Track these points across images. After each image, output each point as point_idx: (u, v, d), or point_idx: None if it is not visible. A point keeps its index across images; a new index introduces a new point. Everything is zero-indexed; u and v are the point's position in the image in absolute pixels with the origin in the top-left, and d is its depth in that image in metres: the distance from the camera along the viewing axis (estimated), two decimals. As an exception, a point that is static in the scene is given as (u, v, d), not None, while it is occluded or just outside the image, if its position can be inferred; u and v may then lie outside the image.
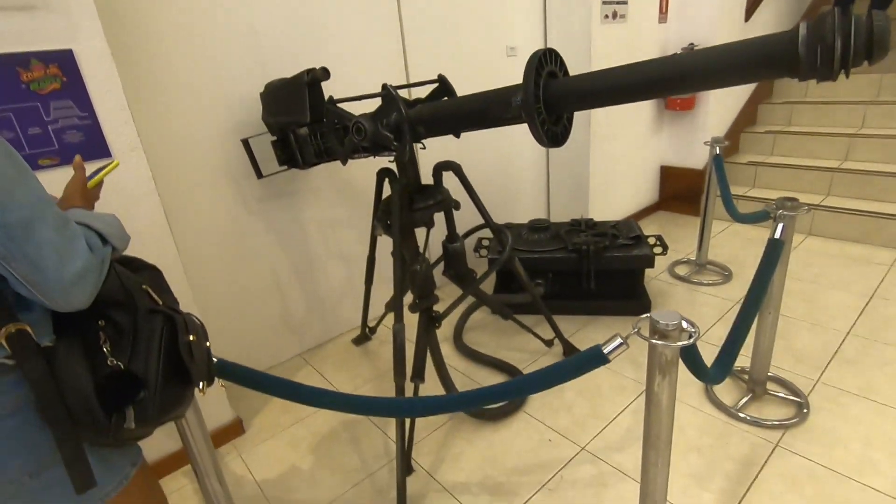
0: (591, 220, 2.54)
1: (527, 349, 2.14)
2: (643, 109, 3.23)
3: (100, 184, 0.93)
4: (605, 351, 0.93)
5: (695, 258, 2.71)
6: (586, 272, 2.29)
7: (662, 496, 1.09)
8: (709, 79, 0.99)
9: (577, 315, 2.36)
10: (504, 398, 1.04)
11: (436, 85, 1.53)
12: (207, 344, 0.88)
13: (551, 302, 2.35)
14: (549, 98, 1.16)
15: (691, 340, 0.92)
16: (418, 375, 1.50)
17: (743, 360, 1.79)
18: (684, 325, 0.93)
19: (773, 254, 1.42)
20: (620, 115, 3.04)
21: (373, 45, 2.16)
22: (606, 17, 2.72)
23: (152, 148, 1.64)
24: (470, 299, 2.35)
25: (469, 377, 2.00)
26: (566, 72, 1.25)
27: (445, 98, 1.50)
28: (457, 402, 1.08)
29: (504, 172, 2.91)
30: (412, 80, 2.32)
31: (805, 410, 1.64)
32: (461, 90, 2.52)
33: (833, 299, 2.28)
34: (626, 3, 2.81)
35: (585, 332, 2.23)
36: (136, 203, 1.43)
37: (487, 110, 1.27)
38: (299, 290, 2.21)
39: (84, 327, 0.78)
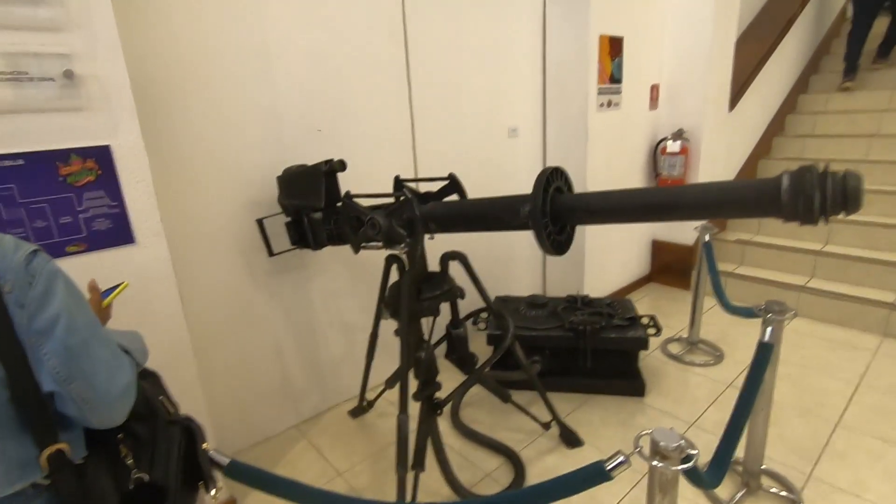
0: (588, 296, 2.62)
1: (524, 429, 2.15)
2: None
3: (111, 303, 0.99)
4: (608, 468, 0.97)
5: (687, 336, 2.78)
6: (583, 351, 2.34)
7: None
8: (702, 211, 1.09)
9: (573, 392, 2.39)
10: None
11: (446, 182, 1.63)
12: (204, 445, 0.92)
13: (548, 379, 2.38)
14: (555, 211, 1.26)
15: (690, 464, 0.97)
16: (419, 464, 1.52)
17: (738, 449, 1.82)
18: (684, 445, 0.98)
19: (763, 357, 1.48)
20: (614, 194, 3.19)
21: (385, 126, 2.29)
22: (602, 105, 2.91)
23: (171, 228, 1.71)
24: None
25: (465, 458, 2.00)
26: (570, 187, 1.35)
27: (458, 198, 1.60)
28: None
29: (501, 244, 3.01)
30: (420, 159, 2.45)
31: (799, 508, 1.66)
32: (465, 168, 2.67)
33: (821, 384, 2.34)
34: (619, 93, 3.02)
35: (582, 412, 2.25)
36: (153, 286, 1.47)
37: (497, 217, 1.36)
38: (300, 358, 2.23)
39: (106, 441, 0.82)
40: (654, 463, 0.97)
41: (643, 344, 2.28)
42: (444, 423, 2.22)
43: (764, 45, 3.85)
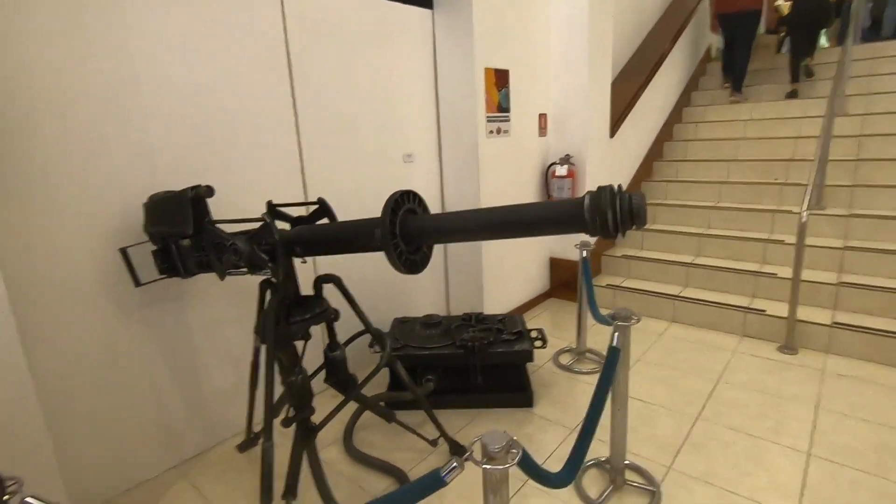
0: (481, 314, 2.72)
1: (416, 448, 2.18)
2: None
3: None
4: (443, 475, 1.02)
5: (575, 346, 2.96)
6: (473, 367, 2.42)
7: None
8: (527, 228, 1.20)
9: (467, 408, 2.46)
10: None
11: (316, 206, 1.66)
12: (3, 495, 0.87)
13: (442, 397, 2.44)
14: (407, 232, 1.33)
15: (515, 461, 1.04)
16: (290, 492, 1.49)
17: (608, 448, 1.96)
18: (512, 446, 1.05)
19: (612, 359, 1.63)
20: (509, 215, 3.37)
21: (270, 156, 2.28)
22: (491, 132, 3.09)
23: (15, 265, 1.59)
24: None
25: (356, 483, 1.98)
26: (425, 208, 1.43)
27: (324, 222, 1.63)
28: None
29: (403, 266, 3.06)
30: (311, 188, 2.46)
31: (657, 498, 1.81)
32: (361, 193, 2.71)
33: (689, 384, 2.58)
34: (508, 121, 3.23)
35: (473, 427, 2.32)
36: (-16, 324, 1.36)
37: (355, 239, 1.41)
38: (180, 394, 2.11)
39: None
40: (485, 466, 1.04)
41: (528, 356, 2.40)
42: (336, 449, 2.19)
43: (639, 80, 4.28)
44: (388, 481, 1.98)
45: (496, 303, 3.35)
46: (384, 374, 2.72)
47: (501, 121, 3.17)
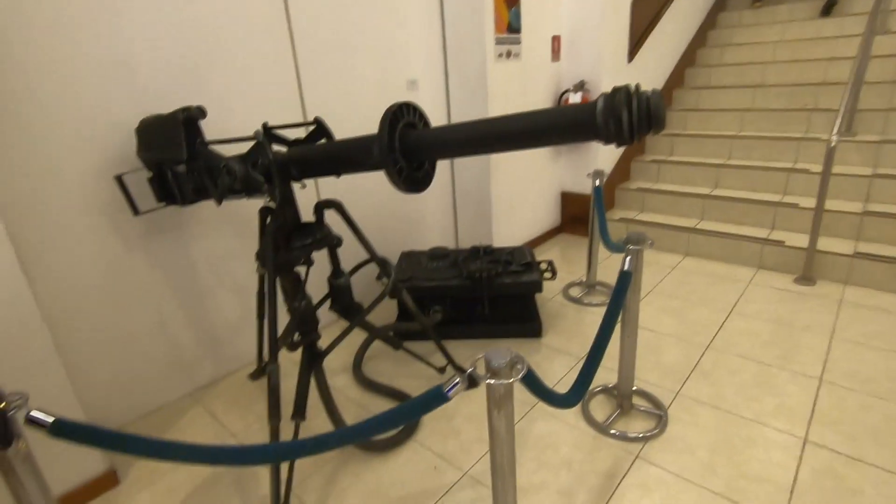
0: (490, 246, 2.67)
1: (424, 376, 2.20)
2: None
3: None
4: (445, 390, 1.00)
5: (585, 280, 2.92)
6: (481, 298, 2.40)
7: (513, 519, 1.17)
8: (535, 137, 1.11)
9: (475, 339, 2.46)
10: (344, 443, 1.08)
11: (314, 126, 1.57)
12: (2, 404, 0.86)
13: (450, 328, 2.44)
14: (406, 148, 1.24)
15: (520, 376, 1.02)
16: (299, 413, 1.51)
17: (616, 375, 1.96)
18: (516, 361, 1.03)
19: (623, 283, 1.58)
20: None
21: (266, 81, 2.16)
22: (501, 55, 2.90)
23: (5, 181, 1.55)
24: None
25: (364, 408, 2.02)
26: (426, 122, 1.34)
27: (323, 141, 1.55)
28: (305, 448, 1.09)
29: (412, 199, 2.99)
30: (309, 115, 2.35)
31: (664, 421, 1.82)
32: (360, 123, 2.60)
33: (699, 315, 2.55)
34: (519, 43, 3.02)
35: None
36: (-20, 248, 1.33)
37: (352, 157, 1.33)
38: (189, 325, 2.14)
39: None
40: (488, 381, 1.02)
41: (537, 287, 2.36)
42: (345, 377, 2.23)
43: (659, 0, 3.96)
44: (395, 405, 2.01)
45: (505, 237, 3.29)
46: (391, 307, 2.73)
47: (512, 43, 2.96)
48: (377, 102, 2.65)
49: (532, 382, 1.13)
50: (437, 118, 3.04)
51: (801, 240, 2.89)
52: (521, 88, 3.14)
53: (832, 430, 1.73)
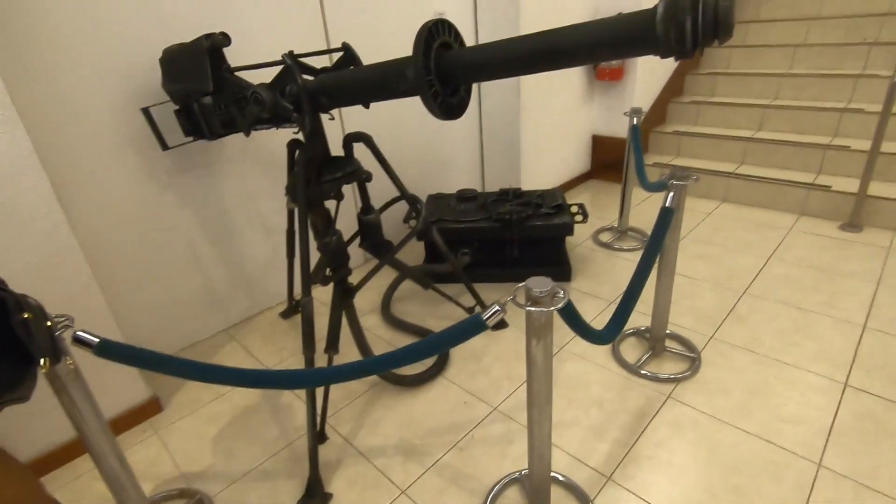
0: (519, 189, 2.59)
1: (452, 316, 2.21)
2: (573, 78, 3.27)
3: None
4: (484, 318, 0.98)
5: (617, 225, 2.83)
6: (510, 241, 2.35)
7: (547, 449, 1.17)
8: (584, 53, 1.02)
9: (504, 282, 2.44)
10: (380, 370, 1.08)
11: (341, 54, 1.49)
12: (49, 323, 0.86)
13: (478, 270, 2.42)
14: (442, 70, 1.17)
15: (560, 305, 0.99)
16: (332, 346, 1.53)
17: (648, 319, 1.92)
18: (556, 291, 0.99)
19: (664, 221, 1.51)
20: (550, 85, 3.08)
21: (288, 8, 2.06)
22: (534, -16, 2.70)
23: (36, 119, 1.54)
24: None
25: (393, 345, 2.04)
26: (462, 42, 1.25)
27: (351, 68, 1.47)
28: (342, 373, 1.10)
29: (438, 141, 2.90)
30: (333, 46, 2.26)
31: (697, 364, 1.79)
32: (385, 55, 2.48)
33: (736, 262, 2.46)
34: (554, -31, 2.80)
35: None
36: (13, 180, 1.33)
37: (386, 82, 1.26)
38: (221, 264, 2.16)
39: None
40: (528, 308, 0.99)
41: (569, 230, 2.30)
42: (374, 317, 2.25)
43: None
44: (425, 345, 2.03)
45: (534, 181, 3.20)
46: (419, 249, 2.72)
47: (546, -31, 2.75)
48: (402, 35, 2.52)
49: (570, 315, 1.10)
50: (465, 54, 2.88)
51: (851, 184, 2.73)
52: (554, 15, 2.94)
53: (874, 375, 1.68)
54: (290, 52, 1.48)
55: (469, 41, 2.88)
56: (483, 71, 1.16)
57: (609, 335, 1.33)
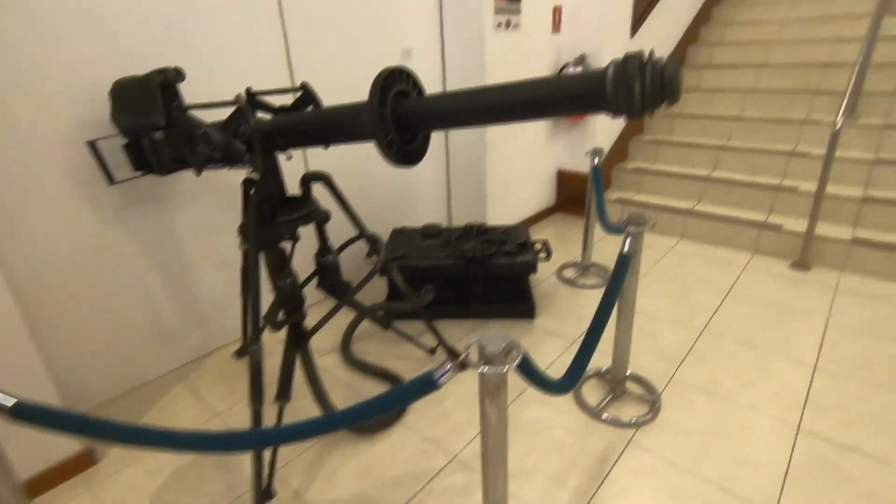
0: (484, 225, 2.60)
1: (414, 356, 2.15)
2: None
3: None
4: (435, 378, 0.94)
5: (581, 261, 2.86)
6: (474, 278, 2.34)
7: (503, 507, 1.13)
8: (538, 108, 1.03)
9: (468, 319, 2.42)
10: (329, 430, 1.02)
11: (301, 93, 1.47)
12: None
13: (442, 307, 2.39)
14: (399, 117, 1.16)
15: (516, 363, 0.96)
16: (283, 395, 1.46)
17: (610, 359, 1.92)
18: (511, 348, 0.97)
19: (622, 266, 1.52)
20: (518, 125, 3.13)
21: (251, 43, 2.04)
22: (500, 25, 2.78)
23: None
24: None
25: (352, 388, 1.97)
26: (420, 90, 1.25)
27: (310, 109, 1.45)
28: (286, 434, 1.04)
29: (405, 175, 2.89)
30: (297, 82, 2.24)
31: (657, 407, 1.79)
32: (353, 92, 2.48)
33: (696, 298, 2.51)
34: (519, 13, 2.89)
35: (472, 338, 2.28)
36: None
37: (342, 126, 1.24)
38: (173, 299, 2.06)
39: None
40: (481, 369, 0.96)
41: (532, 268, 2.30)
42: (333, 357, 2.17)
43: (667, -30, 3.82)
44: (384, 387, 1.97)
45: (500, 216, 3.22)
46: (381, 286, 2.67)
47: (512, 13, 2.83)
48: (370, 71, 2.53)
49: (527, 370, 1.07)
50: (431, 90, 2.91)
51: (799, 225, 2.85)
52: (521, 60, 3.02)
53: (827, 417, 1.71)
54: (248, 90, 1.46)
55: (436, 78, 2.92)
56: (439, 120, 1.15)
57: (567, 384, 1.31)
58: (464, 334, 2.30)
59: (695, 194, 3.40)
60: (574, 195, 3.69)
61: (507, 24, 2.83)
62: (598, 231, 3.39)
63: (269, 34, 2.09)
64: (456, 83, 2.93)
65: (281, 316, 1.51)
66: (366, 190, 2.69)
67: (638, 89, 0.88)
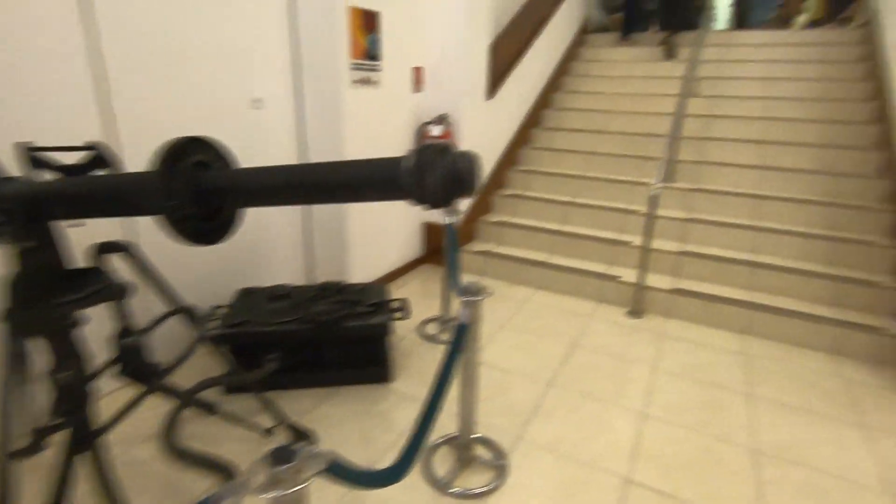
0: (341, 283, 2.49)
1: (253, 437, 1.93)
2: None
3: None
4: (210, 506, 0.80)
5: (441, 315, 2.87)
6: (324, 344, 2.20)
7: None
8: (342, 193, 0.98)
9: (318, 387, 2.25)
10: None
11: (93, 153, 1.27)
12: None
13: (290, 376, 2.20)
14: (198, 191, 1.03)
15: (318, 471, 0.85)
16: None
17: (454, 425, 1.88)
18: (309, 456, 0.86)
19: (459, 336, 1.51)
20: (378, 176, 3.12)
21: (55, 78, 1.76)
22: (357, 82, 2.78)
23: None
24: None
25: (172, 487, 1.69)
26: (227, 162, 1.13)
27: (99, 173, 1.25)
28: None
29: (255, 229, 2.69)
30: (123, 135, 1.98)
31: (505, 473, 1.78)
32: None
33: (547, 350, 2.63)
34: (378, 71, 2.93)
35: (325, 408, 2.12)
36: None
37: (126, 197, 1.07)
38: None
39: None
40: (270, 496, 0.83)
41: (385, 330, 2.23)
42: (150, 447, 1.86)
43: (519, 41, 4.20)
44: (212, 479, 1.72)
45: (364, 270, 3.14)
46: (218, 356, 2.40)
47: (370, 70, 2.86)
48: (212, 124, 2.35)
49: (338, 473, 0.97)
50: (286, 143, 2.80)
51: (633, 276, 3.17)
52: (381, 117, 3.05)
53: (651, 465, 1.84)
54: (27, 148, 1.22)
55: (290, 131, 2.81)
56: (242, 196, 1.05)
57: (396, 473, 1.23)
58: (313, 406, 2.13)
59: (548, 247, 3.65)
60: (440, 247, 3.75)
61: (366, 82, 2.85)
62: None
63: (73, 73, 1.83)
64: (315, 136, 2.85)
65: (55, 419, 1.23)
66: (210, 247, 2.44)
67: (431, 181, 0.87)
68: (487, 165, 3.99)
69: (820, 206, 3.25)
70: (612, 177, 3.95)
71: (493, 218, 3.91)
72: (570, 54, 5.40)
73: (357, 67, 2.75)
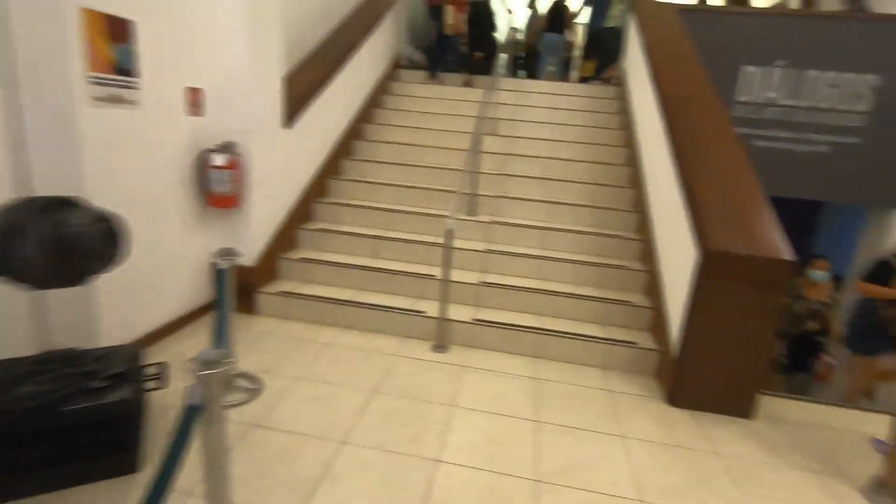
0: (75, 349, 1.95)
1: None
2: (180, 204, 2.91)
3: None
4: None
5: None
6: (36, 436, 1.66)
7: None
8: None
9: (37, 496, 1.69)
10: None
11: None
12: None
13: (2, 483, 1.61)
14: None
15: None
16: None
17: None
18: None
19: (188, 423, 1.22)
20: (143, 209, 2.61)
21: None
22: (101, 99, 2.28)
23: None
24: None
25: None
26: None
27: None
28: None
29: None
30: None
31: (272, 567, 1.50)
32: None
33: (346, 401, 2.42)
34: (136, 88, 2.46)
35: (28, 527, 1.58)
36: None
37: None
38: None
39: None
40: None
41: (130, 406, 1.79)
42: None
43: (325, 69, 4.07)
44: None
45: (122, 328, 2.57)
46: None
47: (122, 86, 2.39)
48: None
49: None
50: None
51: (437, 309, 3.18)
52: (143, 142, 2.57)
53: (439, 521, 1.75)
54: None
55: (7, 153, 2.17)
56: None
57: None
58: (12, 526, 1.58)
59: (358, 283, 3.49)
60: (238, 287, 3.31)
61: (117, 99, 2.37)
62: (249, 328, 3.10)
63: None
64: (45, 160, 2.24)
65: None
66: None
67: (22, 251, 0.61)
68: (289, 197, 3.71)
69: (590, 235, 3.72)
70: (422, 210, 4.00)
71: (298, 254, 3.62)
72: (383, 87, 5.46)
73: (100, 82, 2.26)
